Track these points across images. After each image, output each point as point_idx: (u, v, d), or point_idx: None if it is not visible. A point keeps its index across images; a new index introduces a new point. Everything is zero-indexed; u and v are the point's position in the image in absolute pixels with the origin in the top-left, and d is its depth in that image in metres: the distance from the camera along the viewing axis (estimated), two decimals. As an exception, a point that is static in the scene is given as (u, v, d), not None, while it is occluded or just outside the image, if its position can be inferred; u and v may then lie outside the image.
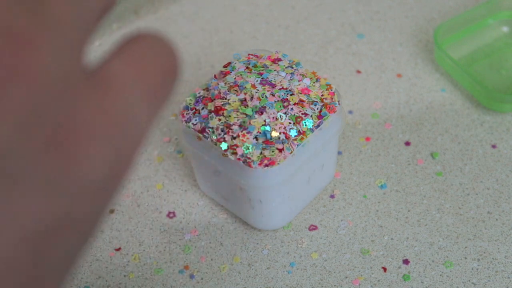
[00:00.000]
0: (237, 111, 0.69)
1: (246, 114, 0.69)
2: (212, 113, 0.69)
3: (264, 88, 0.70)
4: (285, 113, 0.68)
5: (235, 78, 0.71)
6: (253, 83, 0.71)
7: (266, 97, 0.69)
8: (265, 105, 0.69)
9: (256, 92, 0.70)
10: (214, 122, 0.69)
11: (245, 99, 0.69)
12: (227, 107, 0.69)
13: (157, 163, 0.81)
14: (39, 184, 0.27)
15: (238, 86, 0.71)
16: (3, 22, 0.26)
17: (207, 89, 0.72)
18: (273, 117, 0.68)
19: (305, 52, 0.90)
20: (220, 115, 0.69)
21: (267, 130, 0.68)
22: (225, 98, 0.70)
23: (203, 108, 0.70)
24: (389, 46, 0.90)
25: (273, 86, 0.70)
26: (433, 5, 0.95)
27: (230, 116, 0.68)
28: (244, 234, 0.76)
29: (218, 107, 0.69)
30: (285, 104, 0.69)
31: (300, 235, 0.75)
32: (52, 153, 0.27)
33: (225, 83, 0.71)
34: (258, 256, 0.74)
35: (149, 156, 0.82)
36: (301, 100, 0.69)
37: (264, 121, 0.68)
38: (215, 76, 0.73)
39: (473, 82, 0.82)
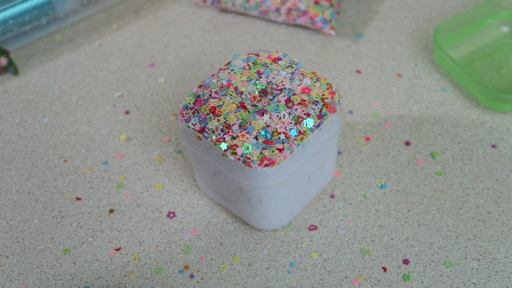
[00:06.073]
0: (236, 112, 0.69)
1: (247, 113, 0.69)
2: (210, 114, 0.69)
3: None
4: (289, 113, 0.68)
5: (228, 75, 0.71)
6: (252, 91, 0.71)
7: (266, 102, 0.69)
8: (268, 109, 0.69)
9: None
10: (213, 123, 0.69)
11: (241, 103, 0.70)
12: (222, 108, 0.69)
13: (157, 163, 0.81)
14: None
15: (232, 86, 0.71)
16: None
17: (200, 86, 0.72)
18: (276, 116, 0.68)
19: (305, 52, 0.90)
20: (219, 115, 0.69)
21: (267, 126, 0.68)
22: (219, 99, 0.70)
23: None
24: (389, 46, 0.91)
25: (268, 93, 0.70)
26: (433, 5, 0.95)
27: (229, 116, 0.68)
28: (244, 234, 0.76)
29: (213, 108, 0.69)
30: (289, 104, 0.69)
31: (300, 235, 0.75)
32: None
33: (217, 80, 0.71)
34: (258, 256, 0.74)
35: (149, 156, 0.82)
36: (302, 100, 0.69)
37: (265, 122, 0.68)
38: (213, 76, 0.73)
39: (473, 82, 0.83)
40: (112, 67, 0.90)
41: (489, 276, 0.72)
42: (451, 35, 0.88)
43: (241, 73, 0.72)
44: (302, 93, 0.70)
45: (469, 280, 0.72)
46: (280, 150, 0.67)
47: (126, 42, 0.92)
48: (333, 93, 0.71)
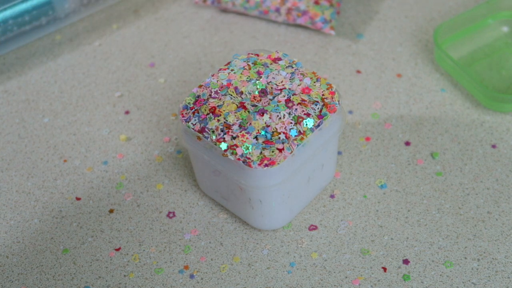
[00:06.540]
0: (236, 112, 0.69)
1: (248, 113, 0.69)
2: (210, 114, 0.69)
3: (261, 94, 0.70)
4: (289, 113, 0.68)
5: (228, 75, 0.71)
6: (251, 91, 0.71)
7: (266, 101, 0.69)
8: (268, 109, 0.69)
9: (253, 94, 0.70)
10: (213, 123, 0.69)
11: (241, 103, 0.70)
12: (222, 108, 0.69)
13: (157, 163, 0.81)
14: None
15: (232, 86, 0.71)
16: None
17: (200, 86, 0.72)
18: (276, 116, 0.68)
19: (305, 52, 0.90)
20: (219, 115, 0.69)
21: (267, 126, 0.68)
22: (219, 99, 0.70)
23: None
24: (389, 46, 0.91)
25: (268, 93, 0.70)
26: (433, 5, 0.95)
27: (229, 116, 0.68)
28: (244, 234, 0.76)
29: (213, 108, 0.69)
30: (289, 104, 0.69)
31: (300, 235, 0.75)
32: None
33: (217, 80, 0.71)
34: (258, 256, 0.74)
35: (149, 156, 0.82)
36: (302, 100, 0.69)
37: (265, 122, 0.68)
38: (213, 76, 0.73)
39: (473, 82, 0.83)
40: (112, 67, 0.90)
41: (489, 276, 0.72)
42: (451, 35, 0.88)
43: (241, 73, 0.72)
44: (302, 93, 0.70)
45: (469, 280, 0.72)
46: (280, 150, 0.67)
47: (126, 42, 0.92)
48: (333, 93, 0.71)
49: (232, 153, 0.67)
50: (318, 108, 0.70)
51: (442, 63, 0.86)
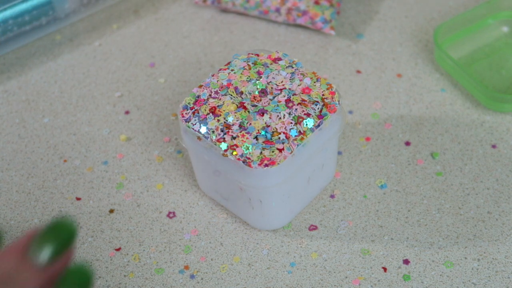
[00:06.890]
0: (236, 112, 0.69)
1: (248, 113, 0.69)
2: (210, 114, 0.69)
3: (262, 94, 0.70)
4: (289, 113, 0.68)
5: (228, 75, 0.71)
6: (251, 91, 0.71)
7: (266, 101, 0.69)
8: (268, 109, 0.69)
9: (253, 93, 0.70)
10: (213, 123, 0.69)
11: (241, 103, 0.69)
12: (222, 108, 0.69)
13: (157, 163, 0.81)
14: None
15: (232, 86, 0.71)
16: None
17: (200, 86, 0.72)
18: (276, 116, 0.68)
19: (305, 52, 0.90)
20: (219, 115, 0.69)
21: (267, 126, 0.68)
22: (219, 99, 0.70)
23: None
24: (389, 46, 0.91)
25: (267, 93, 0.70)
26: (433, 5, 0.95)
27: (229, 116, 0.68)
28: (244, 234, 0.76)
29: (213, 108, 0.69)
30: (289, 104, 0.69)
31: (300, 235, 0.75)
32: None
33: (217, 80, 0.71)
34: (258, 256, 0.74)
35: (149, 156, 0.82)
36: (303, 100, 0.69)
37: (265, 122, 0.68)
38: (213, 76, 0.73)
39: (473, 82, 0.83)
40: (112, 67, 0.90)
41: (489, 276, 0.72)
42: (451, 35, 0.88)
43: (241, 73, 0.72)
44: (302, 93, 0.70)
45: (469, 280, 0.72)
46: (280, 150, 0.67)
47: (126, 42, 0.92)
48: (333, 93, 0.71)
49: (232, 153, 0.67)
50: (318, 108, 0.70)
51: (442, 63, 0.86)
